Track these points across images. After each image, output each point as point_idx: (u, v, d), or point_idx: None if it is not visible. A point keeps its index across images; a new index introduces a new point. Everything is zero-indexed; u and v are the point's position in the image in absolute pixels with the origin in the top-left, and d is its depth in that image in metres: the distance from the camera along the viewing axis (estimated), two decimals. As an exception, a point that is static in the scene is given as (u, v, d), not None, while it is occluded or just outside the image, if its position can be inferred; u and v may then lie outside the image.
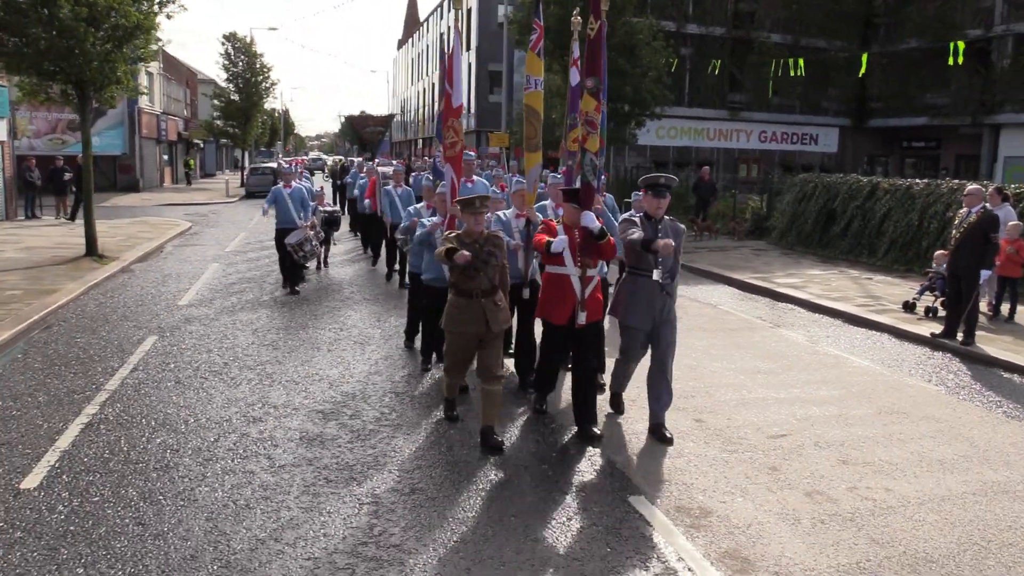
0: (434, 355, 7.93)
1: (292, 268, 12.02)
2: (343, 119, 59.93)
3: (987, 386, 7.91)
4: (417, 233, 7.46)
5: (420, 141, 72.54)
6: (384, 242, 13.64)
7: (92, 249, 14.60)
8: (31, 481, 5.23)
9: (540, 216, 7.04)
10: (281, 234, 11.87)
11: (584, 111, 6.03)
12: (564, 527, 4.69)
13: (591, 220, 5.80)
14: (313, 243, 11.84)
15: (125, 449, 5.78)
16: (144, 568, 4.16)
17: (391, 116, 53.04)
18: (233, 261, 15.38)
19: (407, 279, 8.96)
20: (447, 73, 7.62)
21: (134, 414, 6.52)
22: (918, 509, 5.02)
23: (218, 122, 40.90)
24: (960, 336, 9.40)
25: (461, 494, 5.11)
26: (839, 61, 30.70)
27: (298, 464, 5.54)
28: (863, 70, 25.20)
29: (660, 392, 6.08)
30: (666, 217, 6.01)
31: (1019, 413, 7.07)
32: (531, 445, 6.01)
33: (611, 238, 5.94)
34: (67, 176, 22.74)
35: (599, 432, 6.04)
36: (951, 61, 22.38)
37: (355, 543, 4.45)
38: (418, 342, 8.44)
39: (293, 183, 12.23)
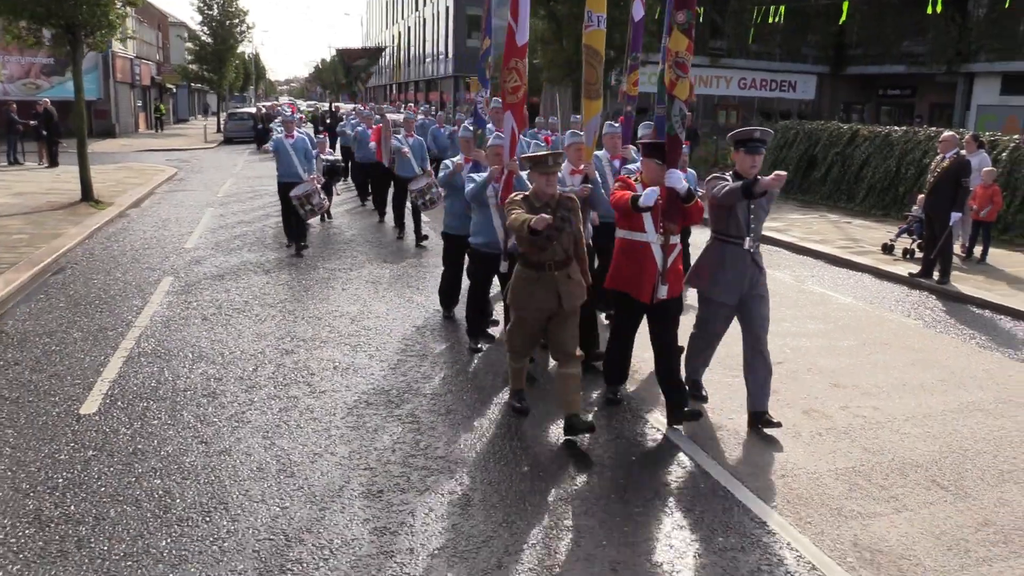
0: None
1: (298, 225, 10.98)
2: (335, 53, 58.72)
3: (961, 320, 8.51)
4: (469, 188, 6.40)
5: (395, 87, 71.69)
6: (391, 196, 12.74)
7: (88, 194, 14.66)
8: (89, 407, 5.60)
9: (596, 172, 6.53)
10: (284, 188, 10.73)
11: (673, 51, 5.04)
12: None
13: (678, 179, 4.99)
14: (321, 196, 10.74)
15: (170, 379, 6.16)
16: (216, 479, 4.59)
17: (380, 48, 52.10)
18: (228, 206, 15.52)
19: (431, 239, 8.40)
20: (512, 5, 6.35)
21: (170, 348, 6.88)
22: (903, 424, 5.59)
23: (193, 66, 40.12)
24: (936, 275, 10.00)
25: (493, 414, 5.58)
26: (819, 8, 30.90)
27: (337, 390, 5.96)
28: (843, 17, 25.45)
29: (761, 376, 5.36)
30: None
31: (990, 344, 7.68)
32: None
33: (699, 201, 5.23)
34: (32, 123, 22.11)
35: (696, 409, 5.47)
36: (929, 9, 22.71)
37: (404, 455, 4.91)
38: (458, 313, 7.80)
39: (295, 132, 11.14)
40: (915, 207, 11.60)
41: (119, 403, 5.68)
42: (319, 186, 10.76)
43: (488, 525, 4.14)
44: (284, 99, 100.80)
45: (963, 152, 10.32)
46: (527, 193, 5.12)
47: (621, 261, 5.39)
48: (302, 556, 3.84)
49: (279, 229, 12.70)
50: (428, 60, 56.79)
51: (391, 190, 12.73)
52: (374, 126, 13.98)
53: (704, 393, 5.87)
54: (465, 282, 7.24)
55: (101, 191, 15.63)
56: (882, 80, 33.34)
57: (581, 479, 4.68)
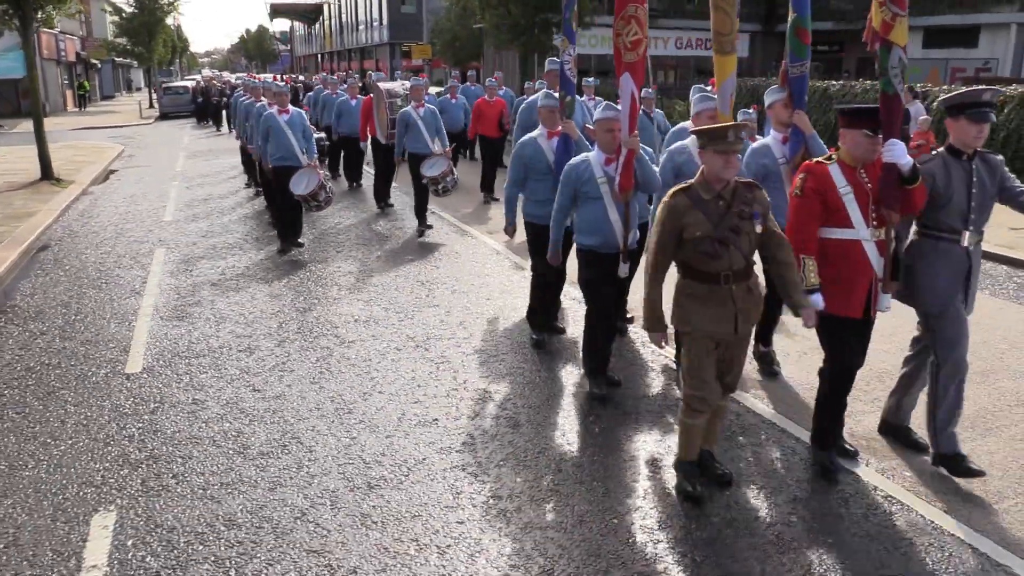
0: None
1: (294, 220, 9.31)
2: (269, 6, 57.03)
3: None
4: (573, 175, 5.01)
5: (321, 56, 70.27)
6: (376, 170, 11.84)
7: (48, 173, 14.48)
8: (133, 367, 5.91)
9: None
10: (281, 175, 8.80)
11: None
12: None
13: (901, 153, 3.84)
14: (328, 188, 9.08)
15: (201, 339, 6.48)
16: (282, 418, 5.01)
17: (320, 6, 50.61)
18: (191, 179, 15.48)
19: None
20: None
21: (189, 312, 7.17)
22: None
23: (120, 40, 38.80)
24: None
25: (519, 348, 6.10)
26: (751, -33, 31.76)
27: (364, 339, 6.39)
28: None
29: (955, 404, 4.17)
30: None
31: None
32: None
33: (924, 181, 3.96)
34: None
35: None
36: (856, -33, 23.70)
37: (447, 389, 5.40)
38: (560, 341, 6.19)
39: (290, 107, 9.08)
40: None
41: (161, 362, 5.99)
42: (324, 174, 9.23)
43: (540, 439, 4.69)
44: (206, 72, 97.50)
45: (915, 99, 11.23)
46: (691, 183, 3.78)
47: (823, 269, 3.94)
48: (383, 475, 4.31)
49: (254, 197, 12.87)
50: (362, 27, 55.97)
51: (358, 165, 13.18)
52: (360, 97, 12.91)
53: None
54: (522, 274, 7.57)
55: (57, 169, 15.40)
56: (812, 37, 34.43)
57: (603, 412, 5.25)
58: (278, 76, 24.41)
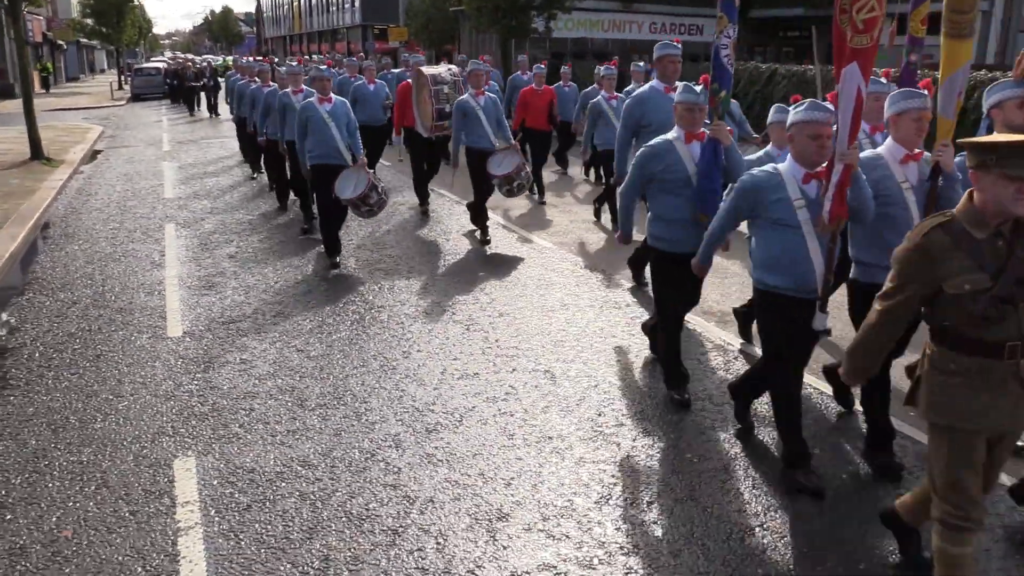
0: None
1: (333, 233, 7.88)
2: None
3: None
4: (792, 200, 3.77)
5: (290, 39, 69.46)
6: (414, 169, 10.29)
7: (37, 152, 14.43)
8: (174, 331, 6.15)
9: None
10: (323, 176, 7.53)
11: None
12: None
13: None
14: (381, 190, 7.71)
15: (233, 306, 6.72)
16: (330, 374, 5.31)
17: None
18: (181, 159, 15.52)
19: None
20: None
21: (214, 282, 7.39)
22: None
23: (88, 20, 38.11)
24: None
25: (544, 314, 6.45)
26: (723, -47, 32.23)
27: (392, 305, 6.68)
28: (749, -38, 26.79)
29: None
30: None
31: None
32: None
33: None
34: None
35: None
36: (828, -47, 24.28)
37: (482, 347, 5.74)
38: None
39: (332, 95, 7.78)
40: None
41: (200, 327, 6.24)
42: (371, 174, 7.74)
43: (580, 386, 5.05)
44: (168, 55, 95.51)
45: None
46: (950, 214, 2.77)
47: None
48: (438, 420, 4.65)
49: (255, 182, 12.98)
50: (333, 8, 55.49)
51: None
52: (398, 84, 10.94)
53: None
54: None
55: (45, 149, 15.33)
56: (783, 23, 35.24)
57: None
58: (252, 56, 23.64)
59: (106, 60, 72.19)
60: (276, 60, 35.69)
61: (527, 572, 3.32)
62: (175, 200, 11.35)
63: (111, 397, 5.01)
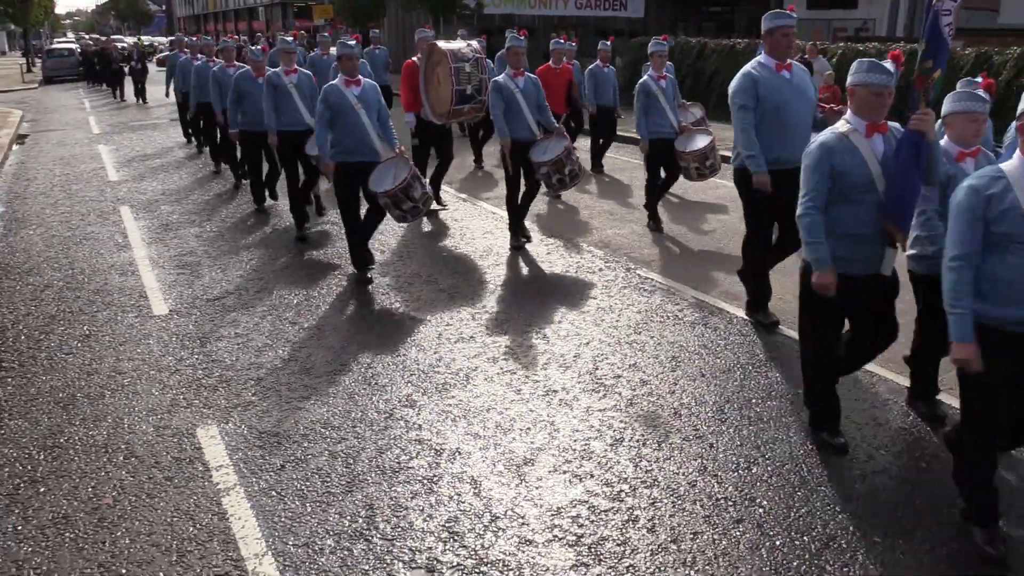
0: None
1: (363, 241, 6.70)
2: None
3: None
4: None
5: (204, 18, 66.96)
6: (417, 161, 8.46)
7: (-39, 136, 13.77)
8: (159, 310, 6.15)
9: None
10: (353, 175, 6.41)
11: None
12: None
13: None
14: (424, 183, 6.49)
15: (212, 283, 6.74)
16: (329, 343, 5.45)
17: None
18: (116, 141, 15.04)
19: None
20: None
21: (188, 261, 7.37)
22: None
23: (-11, -1, 36.04)
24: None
25: (524, 284, 6.70)
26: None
27: (372, 275, 6.84)
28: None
29: None
30: None
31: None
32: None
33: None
34: None
35: None
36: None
37: (471, 313, 5.97)
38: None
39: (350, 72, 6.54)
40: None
41: (185, 305, 6.25)
42: (411, 165, 6.44)
43: (572, 344, 5.35)
44: (70, 36, 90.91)
45: (806, 57, 12.54)
46: None
47: None
48: (447, 380, 4.87)
49: (198, 160, 12.75)
50: (249, -14, 53.88)
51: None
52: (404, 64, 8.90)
53: None
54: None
55: (-34, 134, 14.65)
56: (703, -2, 35.99)
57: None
58: (198, 35, 21.68)
59: (6, 42, 68.30)
60: (242, 39, 33.75)
61: (562, 507, 3.61)
62: (122, 183, 11.09)
63: (113, 374, 5.04)
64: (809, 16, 31.13)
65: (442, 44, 7.94)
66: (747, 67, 5.26)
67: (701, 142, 7.57)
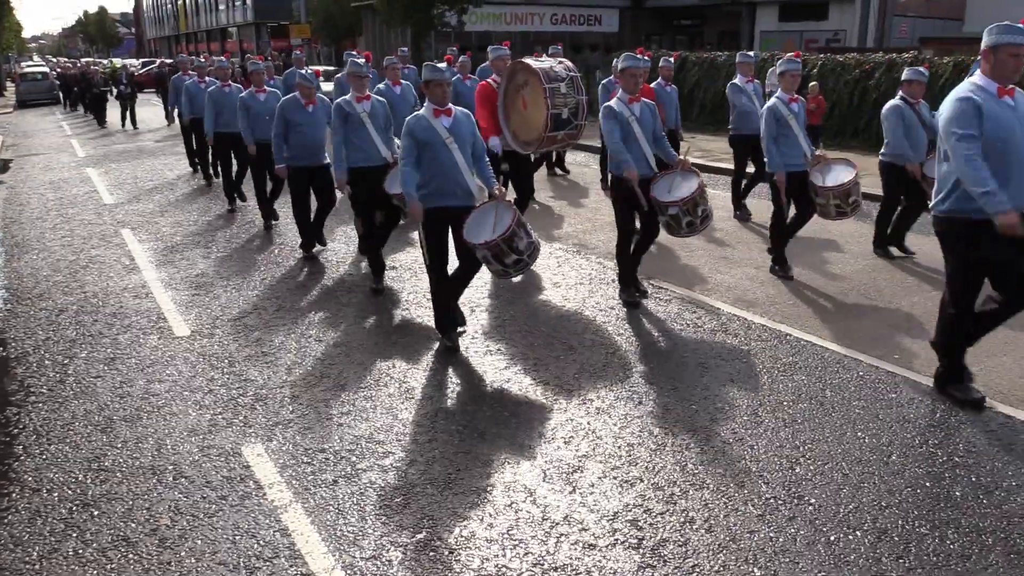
0: None
1: (450, 303, 5.74)
2: None
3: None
4: None
5: (176, 39, 66.63)
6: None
7: (-53, 162, 13.60)
8: (181, 331, 6.16)
9: None
10: (437, 222, 5.42)
11: None
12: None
13: None
14: (529, 232, 5.42)
15: (229, 303, 6.75)
16: (359, 360, 5.49)
17: None
18: (105, 166, 14.93)
19: None
20: None
21: (201, 283, 7.37)
22: (828, 266, 7.48)
23: (-42, 23, 35.59)
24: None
25: (543, 289, 6.79)
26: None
27: (390, 292, 6.89)
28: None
29: None
30: None
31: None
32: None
33: None
34: None
35: None
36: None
37: (494, 324, 6.04)
38: None
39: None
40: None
41: (206, 326, 6.26)
42: (515, 211, 5.35)
43: (600, 354, 5.44)
44: (35, 60, 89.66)
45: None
46: None
47: None
48: (482, 392, 4.94)
49: (192, 182, 12.70)
50: (222, 6, 53.74)
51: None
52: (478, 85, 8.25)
53: None
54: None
55: (-50, 160, 14.48)
56: (677, 12, 36.67)
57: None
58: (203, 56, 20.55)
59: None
60: (248, 56, 32.60)
61: (618, 512, 3.69)
62: (118, 206, 11.03)
63: (147, 396, 5.04)
64: (780, 28, 31.93)
65: (531, 63, 7.10)
66: (964, 90, 4.28)
67: (844, 175, 6.63)
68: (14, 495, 3.97)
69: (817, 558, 3.35)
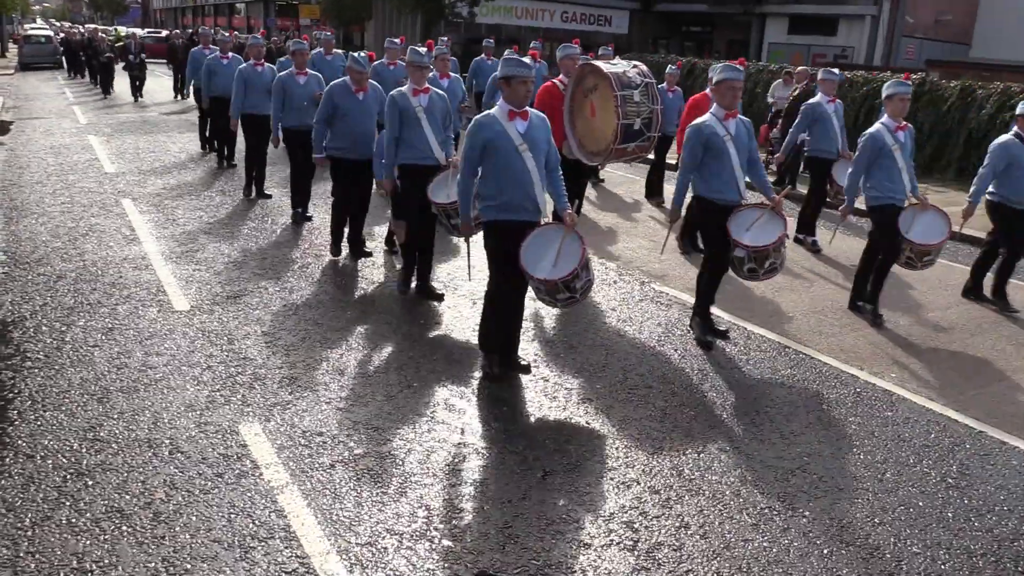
0: None
1: (511, 332, 5.15)
2: None
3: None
4: None
5: (182, 11, 66.02)
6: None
7: (-53, 121, 13.46)
8: (180, 306, 6.12)
9: None
10: (506, 239, 4.73)
11: None
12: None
13: None
14: (592, 269, 4.96)
15: (230, 280, 6.71)
16: (358, 344, 5.49)
17: None
18: (106, 133, 14.85)
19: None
20: None
21: (200, 257, 7.33)
22: (828, 281, 7.50)
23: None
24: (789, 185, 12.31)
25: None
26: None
27: (391, 281, 6.89)
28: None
29: None
30: None
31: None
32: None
33: None
34: None
35: None
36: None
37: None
38: None
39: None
40: (774, 131, 13.86)
41: (206, 301, 6.23)
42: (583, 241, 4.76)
43: (599, 354, 5.45)
44: (39, 23, 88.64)
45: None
46: None
47: None
48: (482, 386, 4.95)
49: (196, 155, 12.63)
50: (230, -19, 53.36)
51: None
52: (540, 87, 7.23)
53: None
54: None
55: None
56: (686, 17, 36.66)
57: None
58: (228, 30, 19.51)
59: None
60: (270, 34, 31.40)
61: (614, 512, 3.70)
62: (120, 175, 10.95)
63: (144, 368, 5.02)
64: (788, 41, 32.00)
65: (602, 66, 6.37)
66: None
67: (934, 234, 5.98)
68: (7, 460, 3.94)
69: (810, 570, 3.37)
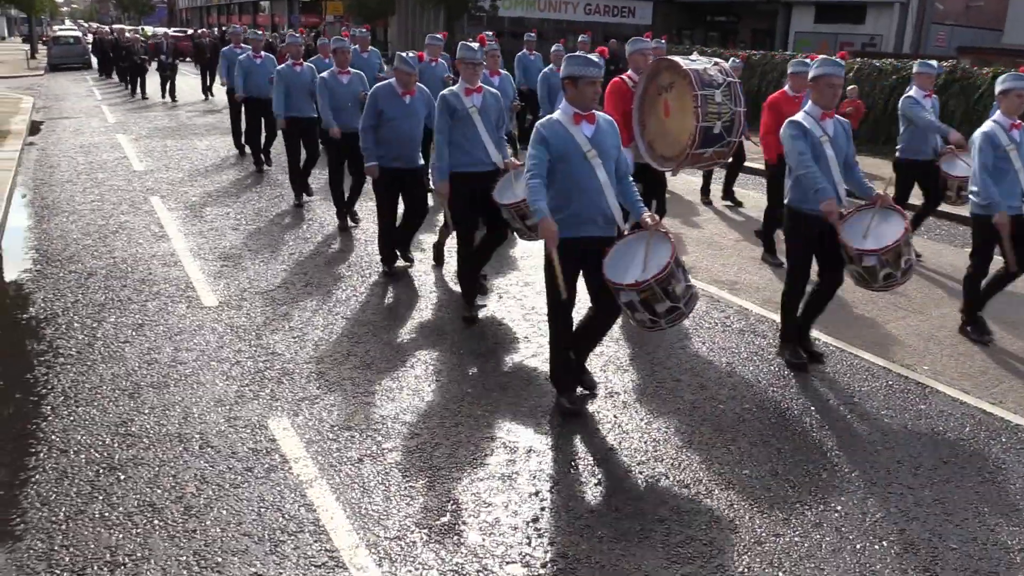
0: None
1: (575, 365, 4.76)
2: None
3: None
4: None
5: (207, 10, 66.66)
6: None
7: (-20, 122, 13.71)
8: (209, 302, 6.19)
9: None
10: (584, 250, 4.33)
11: None
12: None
13: None
14: (687, 274, 4.36)
15: (257, 276, 6.77)
16: (385, 339, 5.50)
17: None
18: (136, 132, 15.03)
19: None
20: None
21: (229, 254, 7.40)
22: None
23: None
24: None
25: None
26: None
27: (416, 275, 6.89)
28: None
29: None
30: None
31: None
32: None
33: None
34: None
35: None
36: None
37: (520, 313, 6.03)
38: None
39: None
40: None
41: (235, 297, 6.28)
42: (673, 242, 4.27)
43: (627, 349, 5.42)
44: (67, 25, 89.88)
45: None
46: None
47: None
48: (507, 381, 4.94)
49: (222, 151, 12.76)
50: (254, -21, 53.77)
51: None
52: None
53: None
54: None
55: (-17, 119, 14.61)
56: (711, 7, 36.28)
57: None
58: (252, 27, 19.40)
59: (6, 28, 67.87)
60: (305, 31, 31.56)
61: (642, 508, 3.67)
62: (148, 173, 11.08)
63: (174, 363, 5.07)
64: (815, 30, 31.53)
65: (680, 61, 5.62)
66: None
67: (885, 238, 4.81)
68: (42, 455, 4.01)
69: (843, 566, 3.32)
